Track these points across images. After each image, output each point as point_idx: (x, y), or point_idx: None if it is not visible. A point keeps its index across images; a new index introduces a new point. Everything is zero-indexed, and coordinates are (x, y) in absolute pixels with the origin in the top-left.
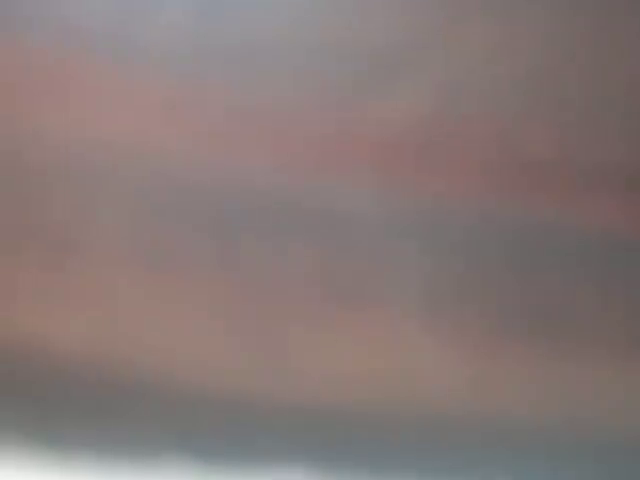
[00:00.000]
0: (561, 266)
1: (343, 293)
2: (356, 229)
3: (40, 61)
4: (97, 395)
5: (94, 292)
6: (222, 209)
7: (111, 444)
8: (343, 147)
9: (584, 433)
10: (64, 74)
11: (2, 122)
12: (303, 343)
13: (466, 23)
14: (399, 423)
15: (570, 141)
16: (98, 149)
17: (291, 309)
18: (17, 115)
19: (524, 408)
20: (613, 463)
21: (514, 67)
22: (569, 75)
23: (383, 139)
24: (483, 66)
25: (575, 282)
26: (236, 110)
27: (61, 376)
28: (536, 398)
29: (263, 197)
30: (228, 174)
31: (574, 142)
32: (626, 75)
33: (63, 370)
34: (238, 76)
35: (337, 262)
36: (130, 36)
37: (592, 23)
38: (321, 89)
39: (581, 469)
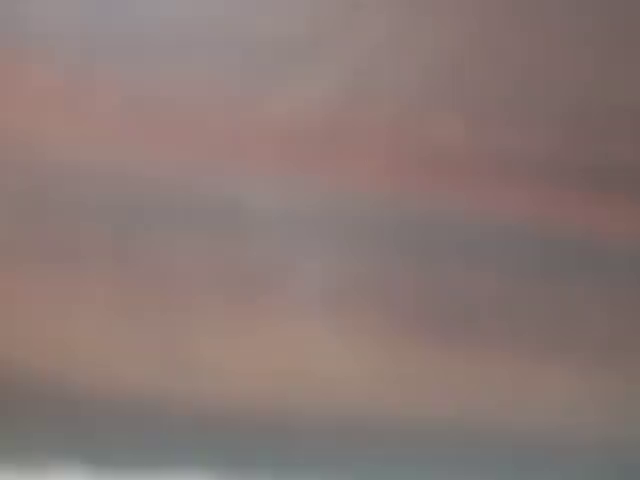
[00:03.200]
0: (467, 257)
1: (246, 289)
2: (260, 221)
3: None
4: None
5: None
6: (121, 202)
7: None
8: (247, 138)
9: (493, 428)
10: None
11: None
12: (204, 342)
13: (371, 10)
14: (301, 422)
15: (478, 128)
16: None
17: (192, 307)
18: None
19: (428, 404)
20: (522, 455)
21: (421, 54)
22: (478, 61)
23: (287, 129)
24: (389, 53)
25: (482, 274)
26: (136, 101)
27: None
28: (442, 394)
29: (164, 189)
30: (128, 166)
31: (482, 129)
32: (538, 61)
33: None
34: (139, 68)
35: (241, 256)
36: (21, 25)
37: (500, 6)
38: (225, 80)
39: (493, 463)
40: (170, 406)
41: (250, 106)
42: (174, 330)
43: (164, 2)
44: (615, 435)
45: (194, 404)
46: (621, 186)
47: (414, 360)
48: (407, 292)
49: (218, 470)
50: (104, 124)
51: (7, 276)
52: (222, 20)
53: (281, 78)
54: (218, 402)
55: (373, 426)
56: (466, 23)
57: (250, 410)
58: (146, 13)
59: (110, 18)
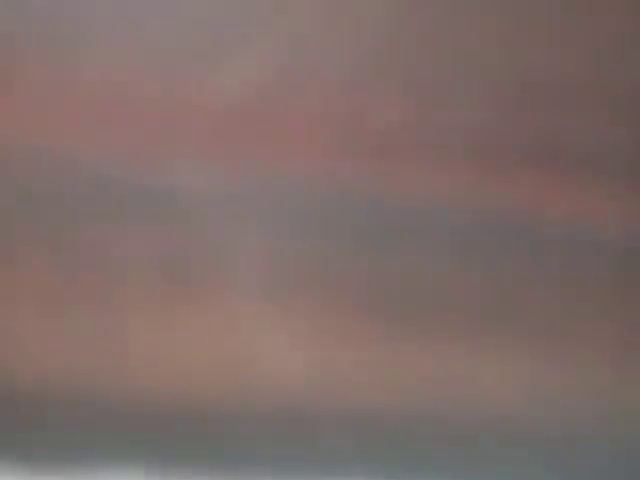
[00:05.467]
0: (411, 241)
1: (184, 277)
2: (197, 207)
3: None
4: None
5: None
6: (54, 190)
7: None
8: (183, 121)
9: (439, 415)
10: None
11: None
12: (140, 334)
13: None
14: (239, 414)
15: (419, 110)
16: None
17: (129, 295)
18: None
19: (372, 393)
20: (471, 445)
21: (359, 35)
22: (415, 42)
23: (223, 112)
24: (324, 33)
25: (427, 258)
26: (68, 86)
27: None
28: (378, 382)
29: (98, 175)
30: (60, 152)
31: (424, 111)
32: (475, 43)
33: None
34: (70, 52)
35: (178, 244)
36: None
37: None
38: (158, 62)
39: (439, 452)
40: (105, 400)
41: (185, 89)
42: (109, 322)
43: None
44: (562, 425)
45: (130, 398)
46: (562, 166)
47: (359, 348)
48: (348, 277)
49: (153, 465)
50: (35, 109)
51: None
52: (155, 1)
53: (216, 60)
54: (154, 396)
55: (316, 416)
56: (406, 5)
57: (187, 403)
58: None
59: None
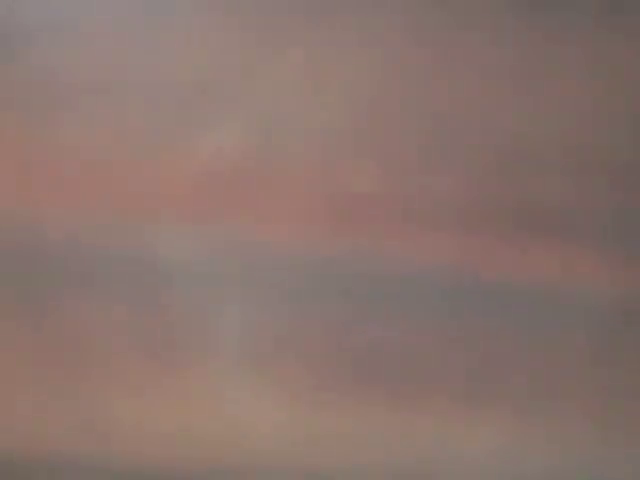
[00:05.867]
0: (387, 306)
1: (160, 348)
2: (176, 274)
3: None
4: None
5: None
6: (35, 265)
7: None
8: (157, 189)
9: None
10: None
11: None
12: (122, 405)
13: (290, 56)
14: (220, 476)
15: (394, 174)
16: None
17: (109, 369)
18: None
19: (350, 457)
20: None
21: (339, 99)
22: (393, 106)
23: (204, 178)
24: (308, 98)
25: (403, 323)
26: (44, 150)
27: None
28: (363, 451)
29: (76, 249)
30: (38, 226)
31: (398, 175)
32: (454, 107)
33: None
34: (41, 118)
35: (152, 314)
36: None
37: (417, 51)
38: (131, 128)
39: None
40: (87, 469)
41: (168, 154)
42: (91, 394)
43: (68, 48)
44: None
45: (112, 467)
46: (541, 230)
47: (336, 414)
48: (327, 344)
49: None
50: (16, 174)
51: None
52: (137, 67)
53: (198, 124)
54: (136, 464)
55: (287, 473)
56: (380, 67)
57: (169, 472)
58: (51, 59)
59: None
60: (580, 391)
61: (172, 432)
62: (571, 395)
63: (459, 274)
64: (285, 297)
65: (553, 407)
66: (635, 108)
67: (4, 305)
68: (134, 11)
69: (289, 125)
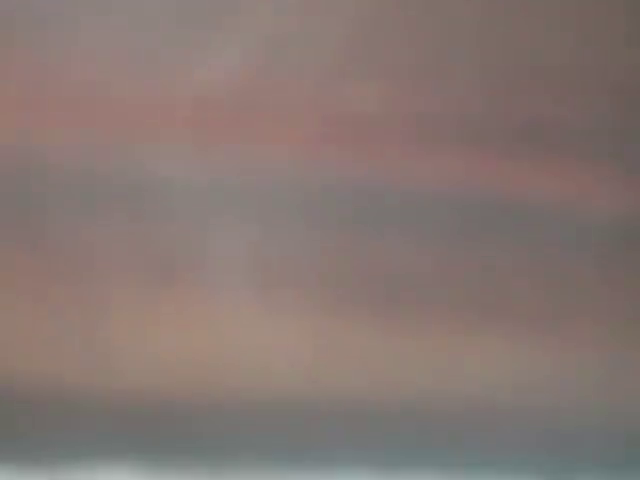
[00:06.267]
0: (392, 226)
1: (161, 270)
2: (177, 197)
3: None
4: None
5: None
6: (35, 183)
7: None
8: (163, 108)
9: (430, 400)
10: None
11: None
12: (124, 329)
13: None
14: (226, 407)
15: (398, 94)
16: None
17: (112, 292)
18: None
19: (363, 380)
20: (460, 426)
21: (342, 18)
22: (393, 27)
23: (203, 98)
24: (310, 18)
25: (408, 243)
26: (46, 81)
27: None
28: (377, 369)
29: (77, 167)
30: (42, 151)
31: (402, 95)
32: (453, 26)
33: None
34: (44, 47)
35: (159, 234)
36: None
37: None
38: (138, 48)
39: (431, 436)
40: (91, 397)
41: (168, 80)
42: (92, 317)
43: None
44: (551, 402)
45: (115, 394)
46: (545, 146)
47: (345, 336)
48: (330, 266)
49: (141, 462)
50: (18, 106)
51: None
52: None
53: (199, 48)
54: (139, 391)
55: (306, 406)
56: None
57: (172, 398)
58: None
59: None
60: (586, 307)
61: (172, 357)
62: (576, 311)
63: (466, 192)
64: (286, 219)
65: (558, 323)
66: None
67: (3, 227)
68: None
69: (291, 45)
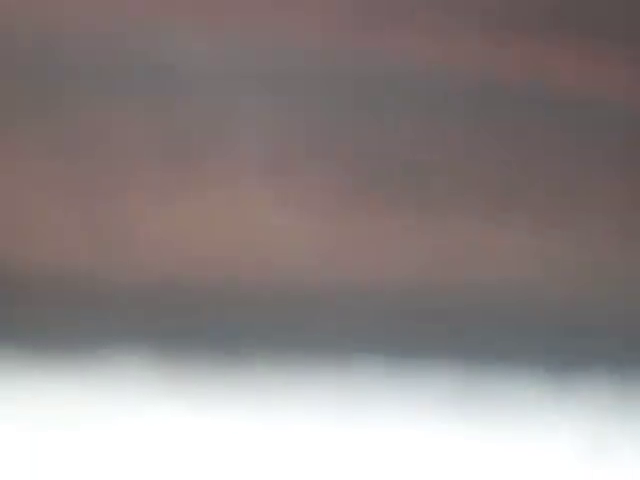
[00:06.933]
0: (411, 112)
1: (178, 155)
2: (196, 80)
3: None
4: None
5: None
6: (54, 66)
7: None
8: None
9: (445, 287)
10: None
11: None
12: (141, 212)
13: None
14: (242, 291)
15: None
16: None
17: (128, 174)
18: None
19: (379, 266)
20: (474, 312)
21: None
22: None
23: None
24: None
25: (425, 129)
26: None
27: None
28: (392, 256)
29: (95, 49)
30: (60, 28)
31: None
32: None
33: None
34: None
35: (169, 119)
36: None
37: None
38: None
39: (445, 323)
40: (108, 279)
41: None
42: (110, 200)
43: None
44: (565, 293)
45: (132, 276)
46: (569, 33)
47: (362, 221)
48: (349, 150)
49: (157, 344)
50: None
51: None
52: None
53: None
54: (156, 274)
55: (325, 292)
56: None
57: (189, 281)
58: None
59: None
60: (604, 198)
61: (193, 246)
62: (593, 202)
63: (486, 78)
64: (307, 105)
65: (576, 215)
66: None
67: (19, 103)
68: None
69: None
